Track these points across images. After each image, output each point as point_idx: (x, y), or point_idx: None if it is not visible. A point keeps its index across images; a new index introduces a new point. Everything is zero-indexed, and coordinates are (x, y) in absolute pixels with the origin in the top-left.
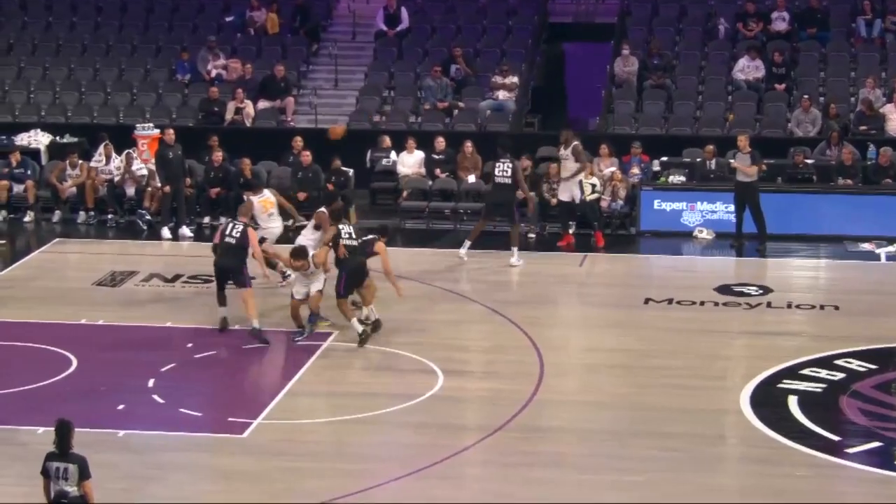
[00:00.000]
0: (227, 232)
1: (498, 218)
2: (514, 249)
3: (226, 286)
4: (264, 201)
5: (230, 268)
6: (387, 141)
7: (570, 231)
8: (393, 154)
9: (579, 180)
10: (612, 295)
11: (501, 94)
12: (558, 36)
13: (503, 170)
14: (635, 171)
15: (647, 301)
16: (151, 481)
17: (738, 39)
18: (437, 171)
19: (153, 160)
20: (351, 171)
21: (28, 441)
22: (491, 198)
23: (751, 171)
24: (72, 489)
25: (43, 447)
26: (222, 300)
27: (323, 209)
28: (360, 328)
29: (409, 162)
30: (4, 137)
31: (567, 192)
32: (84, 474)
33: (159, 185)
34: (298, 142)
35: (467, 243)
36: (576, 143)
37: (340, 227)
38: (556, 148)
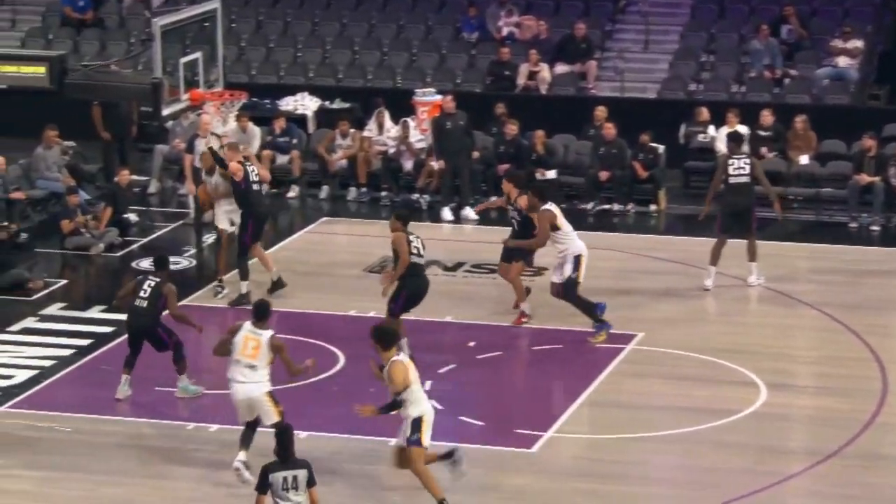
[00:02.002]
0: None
1: (735, 231)
2: (753, 266)
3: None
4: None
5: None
6: (704, 113)
7: None
8: (711, 129)
9: None
10: None
11: (842, 61)
12: None
13: (739, 166)
14: None
15: None
16: (423, 498)
17: None
18: (763, 149)
19: None
20: (661, 148)
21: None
22: (727, 203)
23: None
24: (300, 499)
25: (305, 454)
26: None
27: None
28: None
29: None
30: (268, 101)
31: None
32: (312, 480)
33: (435, 160)
34: (601, 112)
35: (712, 270)
36: None
37: (410, 236)
38: None
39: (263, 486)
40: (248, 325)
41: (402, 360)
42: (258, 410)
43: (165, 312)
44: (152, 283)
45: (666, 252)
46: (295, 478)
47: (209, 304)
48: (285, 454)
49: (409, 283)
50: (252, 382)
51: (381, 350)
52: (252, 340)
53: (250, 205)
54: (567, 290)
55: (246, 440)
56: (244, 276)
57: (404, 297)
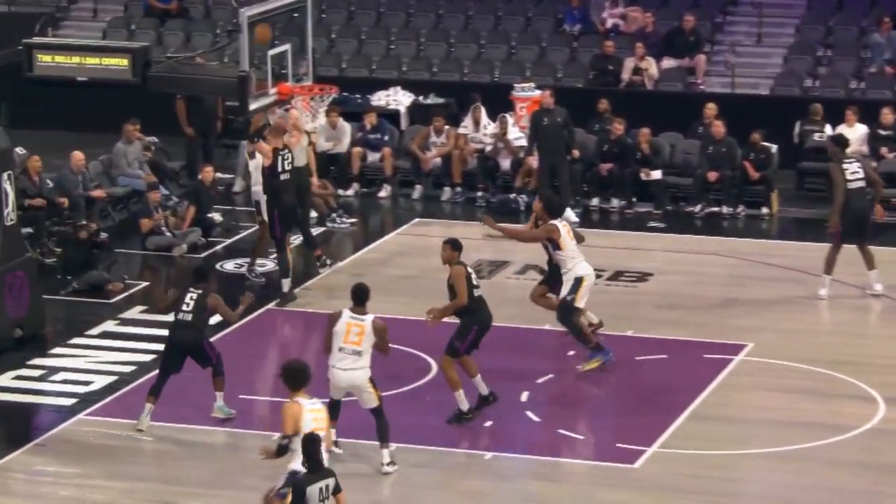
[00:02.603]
0: None
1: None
2: (875, 273)
3: None
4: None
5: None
6: (820, 111)
7: None
8: (828, 127)
9: None
10: None
11: None
12: None
13: (854, 170)
14: None
15: None
16: None
17: None
18: (884, 150)
19: None
20: (774, 148)
21: (370, 459)
22: (849, 210)
23: None
24: None
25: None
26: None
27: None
28: (465, 405)
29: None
30: (359, 96)
31: None
32: (338, 486)
33: (534, 158)
34: (711, 109)
35: (826, 279)
36: None
37: (469, 270)
38: None
39: (300, 502)
40: (347, 312)
41: (297, 403)
42: (358, 395)
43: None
44: (194, 296)
45: (778, 258)
46: (328, 487)
47: (293, 308)
48: (315, 464)
49: (479, 318)
50: (358, 369)
51: (288, 390)
52: (355, 326)
53: (274, 194)
54: (561, 312)
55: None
56: (284, 272)
57: (475, 333)
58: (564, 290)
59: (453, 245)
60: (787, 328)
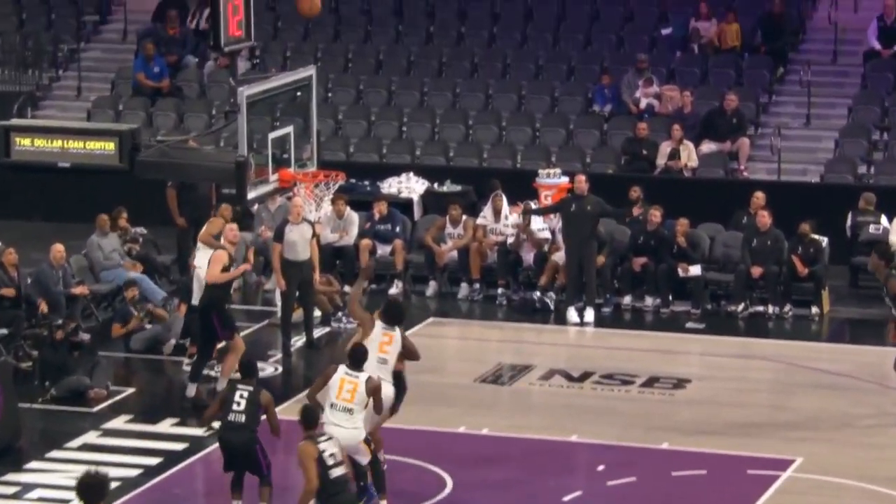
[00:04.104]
0: None
1: None
2: None
3: None
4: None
5: None
6: (874, 200)
7: None
8: (883, 219)
9: None
10: None
11: None
12: None
13: None
14: None
15: None
16: None
17: None
18: None
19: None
20: (825, 241)
21: None
22: None
23: None
24: None
25: None
26: None
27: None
28: None
29: None
30: (367, 183)
31: None
32: None
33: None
34: (759, 199)
35: None
36: None
37: (321, 443)
38: None
39: None
40: (343, 367)
41: None
42: (351, 453)
43: None
44: (245, 394)
45: (830, 363)
46: None
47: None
48: None
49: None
50: (349, 429)
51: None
52: (349, 383)
53: None
54: None
55: None
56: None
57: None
58: None
59: (300, 416)
60: (840, 441)
